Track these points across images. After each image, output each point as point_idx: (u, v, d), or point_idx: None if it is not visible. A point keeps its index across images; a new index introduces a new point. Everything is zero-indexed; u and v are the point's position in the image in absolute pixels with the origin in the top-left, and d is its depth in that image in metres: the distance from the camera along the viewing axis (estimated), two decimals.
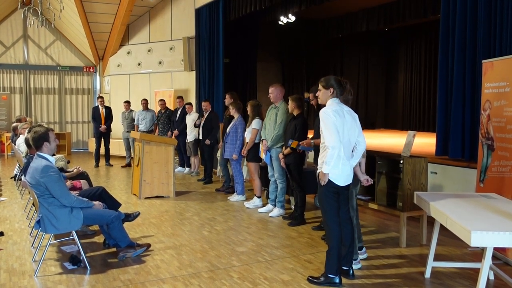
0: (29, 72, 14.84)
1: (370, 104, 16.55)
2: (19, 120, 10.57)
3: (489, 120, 4.76)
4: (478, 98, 5.44)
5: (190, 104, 9.90)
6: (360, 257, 4.39)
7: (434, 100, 10.31)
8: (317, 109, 4.73)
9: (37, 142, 4.24)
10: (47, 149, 4.27)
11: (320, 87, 3.88)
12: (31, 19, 11.19)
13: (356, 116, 3.87)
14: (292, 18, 12.82)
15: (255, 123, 6.66)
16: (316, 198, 6.58)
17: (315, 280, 3.88)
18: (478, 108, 5.27)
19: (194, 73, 12.49)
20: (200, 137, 8.97)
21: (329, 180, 3.73)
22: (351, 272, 3.98)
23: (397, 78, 16.27)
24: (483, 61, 5.06)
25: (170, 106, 11.45)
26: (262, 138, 6.39)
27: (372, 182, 4.23)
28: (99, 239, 5.17)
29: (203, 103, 9.01)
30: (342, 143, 3.69)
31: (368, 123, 15.58)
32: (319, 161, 3.83)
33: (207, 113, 8.86)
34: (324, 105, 3.88)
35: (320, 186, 3.83)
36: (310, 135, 5.85)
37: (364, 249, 4.52)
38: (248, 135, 6.76)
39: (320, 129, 3.82)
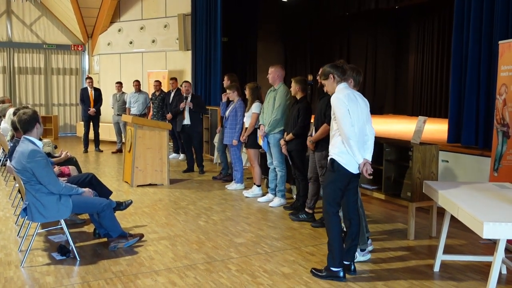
0: (12, 50, 14.76)
1: (378, 88, 16.51)
2: (2, 102, 10.53)
3: (505, 105, 4.76)
4: (493, 81, 5.43)
5: None
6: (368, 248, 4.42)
7: (447, 84, 10.30)
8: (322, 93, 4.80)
9: (28, 124, 4.23)
10: (37, 131, 4.28)
11: (322, 82, 4.02)
12: None
13: (367, 102, 3.96)
14: None
15: (255, 107, 6.65)
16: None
17: (318, 274, 3.92)
18: (494, 93, 5.26)
19: (189, 52, 12.43)
20: (186, 122, 8.56)
21: (341, 166, 3.78)
22: (352, 267, 3.98)
23: (408, 60, 16.21)
24: (499, 42, 5.04)
25: (164, 88, 11.37)
26: (259, 123, 6.40)
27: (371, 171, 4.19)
28: (89, 228, 5.21)
29: (184, 84, 8.59)
30: (357, 127, 3.75)
31: (376, 108, 15.56)
32: (330, 147, 3.89)
33: (190, 95, 8.54)
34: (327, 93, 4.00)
35: (329, 171, 3.88)
36: (313, 120, 5.85)
37: (369, 240, 4.55)
38: (247, 120, 6.76)
39: (332, 115, 3.87)
